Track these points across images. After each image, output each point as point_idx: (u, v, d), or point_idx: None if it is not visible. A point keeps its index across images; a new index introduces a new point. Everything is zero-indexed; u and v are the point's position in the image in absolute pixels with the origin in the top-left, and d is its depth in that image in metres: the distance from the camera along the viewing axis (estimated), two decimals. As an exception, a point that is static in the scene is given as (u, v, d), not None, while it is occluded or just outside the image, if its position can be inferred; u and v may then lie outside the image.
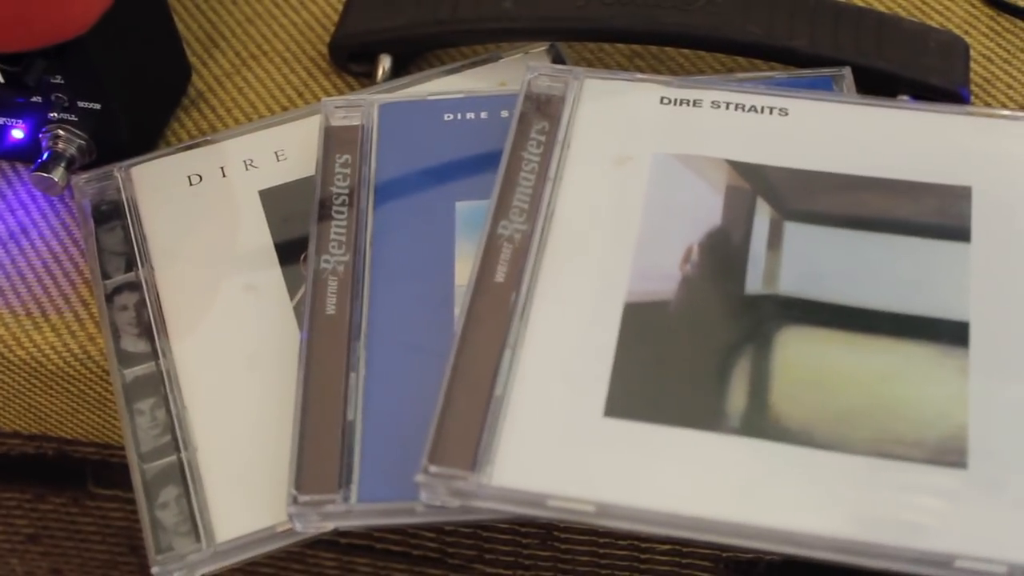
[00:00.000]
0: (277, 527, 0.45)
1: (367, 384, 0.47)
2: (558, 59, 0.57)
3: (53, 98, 0.53)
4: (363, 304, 0.49)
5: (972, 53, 0.57)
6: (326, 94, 0.59)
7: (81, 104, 0.53)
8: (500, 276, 0.48)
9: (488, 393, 0.45)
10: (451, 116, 0.54)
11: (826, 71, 0.54)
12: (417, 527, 0.56)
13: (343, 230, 0.50)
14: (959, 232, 0.48)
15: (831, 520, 0.42)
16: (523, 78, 0.53)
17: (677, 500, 0.43)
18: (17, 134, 0.55)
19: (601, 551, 0.55)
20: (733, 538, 0.42)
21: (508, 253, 0.48)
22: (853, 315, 0.47)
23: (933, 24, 0.59)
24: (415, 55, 0.59)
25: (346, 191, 0.51)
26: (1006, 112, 0.52)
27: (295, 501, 0.44)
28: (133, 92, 0.55)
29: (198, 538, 0.46)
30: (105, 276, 0.52)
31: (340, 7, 0.61)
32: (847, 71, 0.53)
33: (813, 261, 0.48)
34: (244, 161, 0.55)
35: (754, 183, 0.50)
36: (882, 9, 0.60)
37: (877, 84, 0.54)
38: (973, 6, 0.60)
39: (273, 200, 0.54)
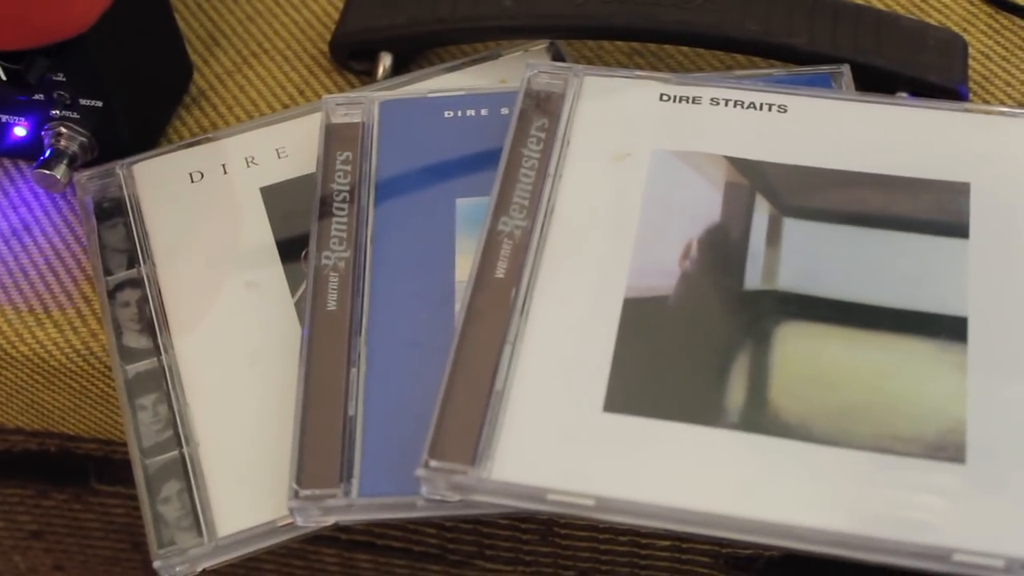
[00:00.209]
0: (278, 521, 0.46)
1: (368, 379, 0.47)
2: (558, 57, 0.57)
3: (55, 96, 0.54)
4: (364, 300, 0.49)
5: (970, 51, 0.57)
6: (327, 92, 0.59)
7: (83, 102, 0.54)
8: (500, 272, 0.48)
9: (488, 388, 0.45)
10: (451, 113, 0.54)
11: (825, 68, 0.54)
12: (418, 522, 0.56)
13: (344, 227, 0.51)
14: (957, 228, 0.48)
15: (829, 514, 0.42)
16: (523, 75, 0.53)
17: (676, 494, 0.43)
18: (19, 132, 0.56)
19: (601, 547, 0.55)
20: (732, 532, 0.43)
21: (508, 249, 0.48)
22: (852, 311, 0.47)
23: (932, 22, 0.59)
24: (415, 53, 0.59)
25: (347, 188, 0.52)
26: (1004, 109, 0.52)
27: (296, 495, 0.45)
28: (135, 90, 0.55)
29: (200, 532, 0.46)
30: (107, 272, 0.52)
31: (341, 5, 0.61)
32: (846, 68, 0.53)
33: (812, 257, 0.48)
34: (245, 158, 0.55)
35: (753, 179, 0.50)
36: (881, 7, 0.60)
37: (876, 81, 0.54)
38: (972, 4, 0.60)
39: (274, 197, 0.54)
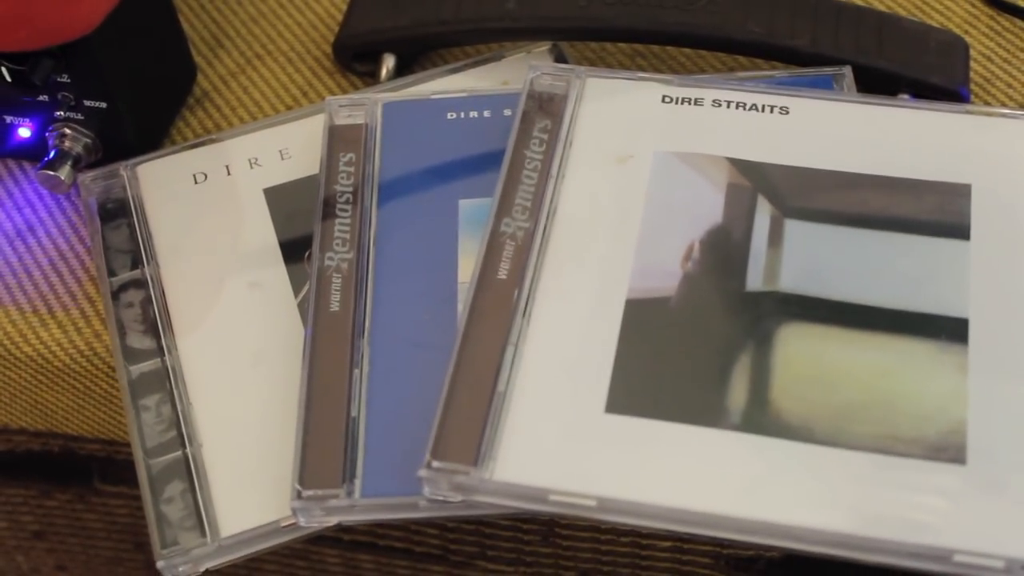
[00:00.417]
0: (281, 522, 0.46)
1: (371, 380, 0.47)
2: (560, 58, 0.57)
3: (59, 97, 0.54)
4: (366, 301, 0.49)
5: (972, 52, 0.57)
6: (330, 93, 0.59)
7: (87, 103, 0.54)
8: (503, 273, 0.48)
9: (491, 389, 0.45)
10: (454, 115, 0.54)
11: (827, 70, 0.54)
12: (420, 522, 0.56)
13: (347, 228, 0.51)
14: (959, 230, 0.48)
15: (830, 515, 0.42)
16: (526, 77, 0.53)
17: (678, 495, 0.43)
18: (24, 133, 0.56)
19: (603, 548, 0.56)
20: (733, 533, 0.43)
21: (511, 250, 0.48)
22: (853, 312, 0.47)
23: (933, 23, 0.59)
24: (418, 54, 0.60)
25: (350, 189, 0.52)
26: (1006, 111, 0.52)
27: (299, 496, 0.45)
28: (139, 91, 0.55)
29: (203, 532, 0.46)
30: (111, 273, 0.53)
31: (344, 7, 0.61)
32: (848, 70, 0.54)
33: (813, 258, 0.48)
34: (249, 160, 0.55)
35: (755, 181, 0.50)
36: (883, 8, 0.60)
37: (878, 83, 0.54)
38: (973, 6, 0.60)
39: (277, 198, 0.54)
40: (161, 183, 0.55)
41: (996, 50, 0.58)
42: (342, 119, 0.54)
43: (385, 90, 0.56)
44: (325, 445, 0.46)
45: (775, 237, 0.49)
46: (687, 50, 0.59)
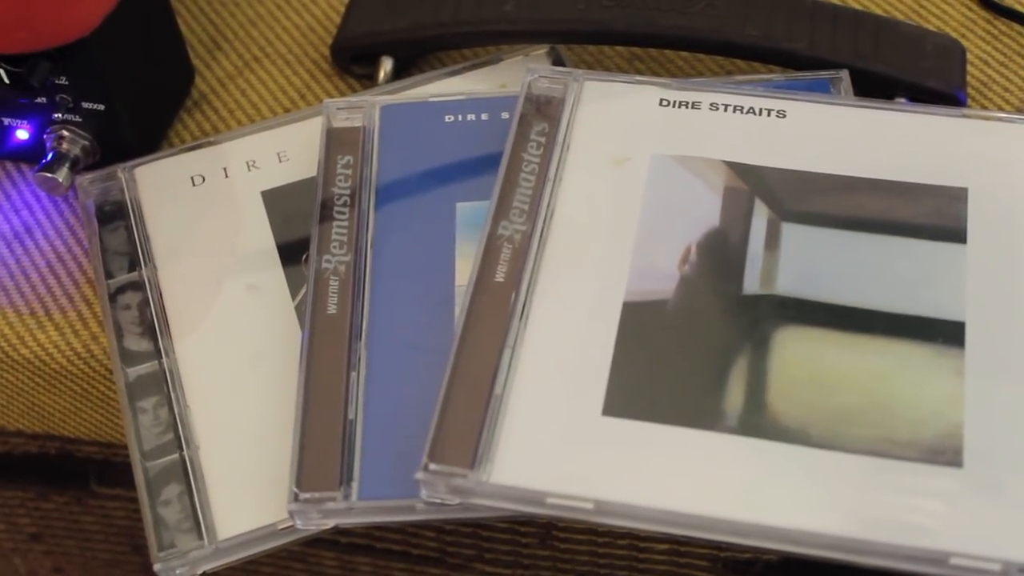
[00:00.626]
0: (278, 524, 0.46)
1: (368, 383, 0.48)
2: (558, 61, 0.57)
3: (57, 99, 0.54)
4: (364, 304, 0.49)
5: (969, 56, 0.57)
6: (328, 96, 0.59)
7: (85, 105, 0.54)
8: (500, 276, 0.48)
9: (488, 392, 0.45)
10: (452, 118, 0.54)
11: (824, 74, 0.54)
12: (417, 525, 0.56)
13: (344, 231, 0.51)
14: (955, 233, 0.49)
15: (827, 518, 0.42)
16: (523, 80, 0.53)
17: (675, 498, 0.43)
18: (22, 135, 0.56)
19: (600, 550, 0.56)
20: (730, 536, 0.43)
21: (508, 253, 0.48)
22: (850, 315, 0.47)
23: (930, 27, 0.59)
24: (416, 57, 0.60)
25: (347, 192, 0.52)
26: (1002, 115, 0.52)
27: (296, 498, 0.45)
28: (137, 93, 0.55)
29: (200, 535, 0.46)
30: (108, 276, 0.53)
31: (342, 10, 0.61)
32: (845, 74, 0.54)
33: (810, 262, 0.48)
34: (247, 162, 0.55)
35: (752, 184, 0.50)
36: (880, 12, 0.60)
37: (875, 87, 0.54)
38: (970, 10, 0.60)
39: (275, 201, 0.54)
40: (159, 185, 0.55)
41: (993, 54, 0.58)
42: (340, 122, 0.54)
43: (383, 93, 0.57)
44: (322, 448, 0.46)
45: (772, 240, 0.49)
46: (685, 53, 0.59)
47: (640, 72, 0.58)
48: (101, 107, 0.54)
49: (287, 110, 0.59)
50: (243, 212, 0.54)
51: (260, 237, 0.53)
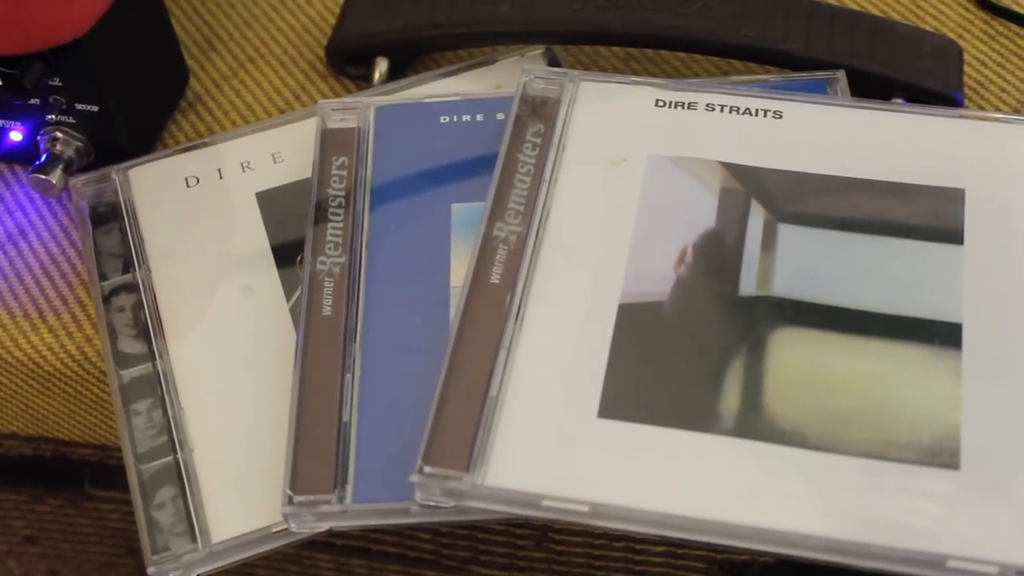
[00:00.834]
0: (273, 527, 0.46)
1: (362, 385, 0.47)
2: (554, 62, 0.57)
3: (51, 100, 0.54)
4: (359, 305, 0.49)
5: (966, 57, 0.57)
6: (323, 97, 0.59)
7: (79, 106, 0.54)
8: (495, 277, 0.48)
9: (483, 394, 0.45)
10: (447, 118, 0.54)
11: (820, 74, 0.54)
12: (412, 528, 0.56)
13: (339, 232, 0.51)
14: (952, 234, 0.48)
15: (824, 521, 0.42)
16: (519, 81, 0.53)
17: (671, 501, 0.43)
18: (15, 136, 0.56)
19: (596, 552, 0.55)
20: (726, 538, 0.43)
21: (503, 254, 0.48)
22: (847, 317, 0.47)
23: (927, 28, 0.59)
24: (411, 58, 0.59)
25: (342, 193, 0.52)
26: (999, 115, 0.52)
27: (290, 501, 0.45)
28: (131, 94, 0.55)
29: (194, 538, 0.46)
30: (102, 278, 0.52)
31: (337, 10, 0.61)
32: (841, 74, 0.54)
33: (807, 263, 0.48)
34: (241, 163, 0.55)
35: (748, 185, 0.50)
36: (876, 13, 0.60)
37: (871, 87, 0.54)
38: (967, 10, 0.60)
39: (270, 202, 0.54)
40: (153, 187, 0.55)
41: (990, 54, 0.58)
42: (335, 123, 0.54)
43: (378, 94, 0.56)
44: (316, 450, 0.46)
45: (768, 241, 0.49)
46: (681, 54, 0.59)
47: (636, 73, 0.58)
48: (95, 108, 0.54)
49: (282, 111, 0.59)
50: (238, 213, 0.54)
51: (254, 238, 0.53)
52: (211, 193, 0.54)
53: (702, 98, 0.52)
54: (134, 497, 0.47)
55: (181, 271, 0.52)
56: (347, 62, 0.59)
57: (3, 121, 0.55)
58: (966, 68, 0.56)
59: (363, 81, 0.59)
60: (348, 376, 0.47)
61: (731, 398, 0.45)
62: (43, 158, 0.54)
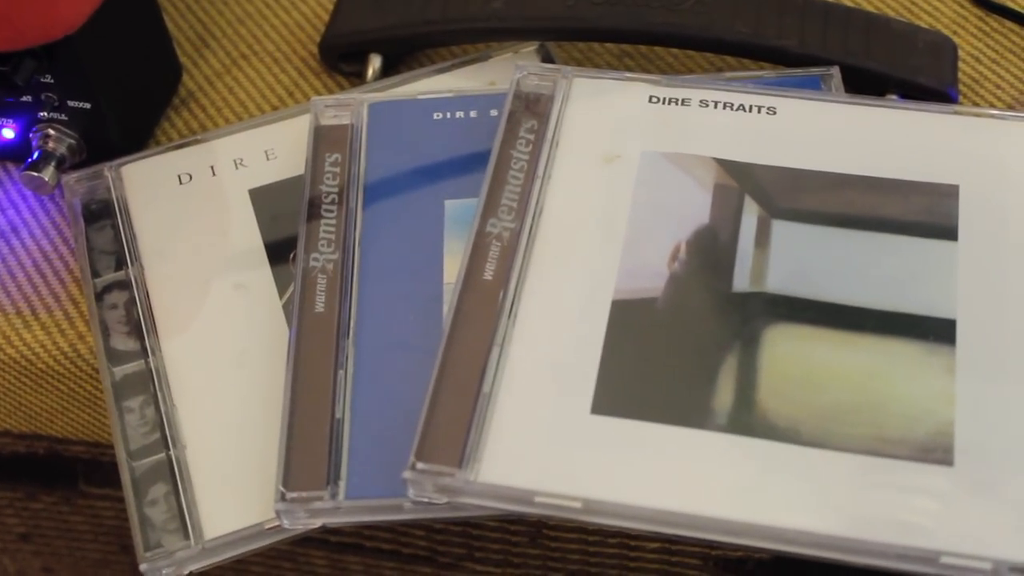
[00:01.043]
0: (265, 524, 0.46)
1: (355, 382, 0.47)
2: (547, 58, 0.57)
3: (43, 97, 0.53)
4: (351, 302, 0.49)
5: (960, 53, 0.57)
6: (316, 93, 0.59)
7: (71, 103, 0.53)
8: (488, 274, 0.48)
9: (476, 390, 0.45)
10: (440, 115, 0.54)
11: (815, 70, 0.54)
12: (406, 524, 0.56)
13: (332, 229, 0.51)
14: (946, 231, 0.48)
15: (818, 517, 0.42)
16: (512, 77, 0.53)
17: (665, 497, 0.43)
18: (7, 133, 0.56)
19: (590, 549, 0.55)
20: (720, 535, 0.42)
21: (496, 251, 0.48)
22: (840, 313, 0.47)
23: (922, 24, 0.59)
24: (405, 55, 0.59)
25: (335, 190, 0.52)
26: (994, 112, 0.52)
27: (283, 498, 0.45)
28: (123, 91, 0.55)
29: (187, 535, 0.46)
30: (95, 275, 0.52)
31: (330, 7, 0.61)
32: (835, 70, 0.53)
33: (801, 259, 0.48)
34: (234, 160, 0.55)
35: (742, 181, 0.50)
36: (871, 9, 0.60)
37: (866, 83, 0.54)
38: (962, 6, 0.60)
39: (263, 199, 0.54)
40: (146, 184, 0.54)
41: (984, 51, 0.58)
42: (328, 119, 0.54)
43: (371, 90, 0.56)
44: (309, 447, 0.46)
45: (762, 238, 0.49)
46: (675, 50, 0.59)
47: (630, 69, 0.58)
48: (87, 105, 0.53)
49: (275, 108, 0.59)
50: (230, 210, 0.54)
51: (247, 235, 0.53)
52: (204, 190, 0.54)
53: (696, 94, 0.52)
54: (126, 494, 0.47)
55: (174, 268, 0.52)
56: (340, 59, 0.59)
57: (-5, 118, 0.55)
58: (961, 64, 0.56)
59: (356, 78, 0.59)
60: (341, 373, 0.47)
61: (725, 394, 0.45)
62: (35, 155, 0.54)
